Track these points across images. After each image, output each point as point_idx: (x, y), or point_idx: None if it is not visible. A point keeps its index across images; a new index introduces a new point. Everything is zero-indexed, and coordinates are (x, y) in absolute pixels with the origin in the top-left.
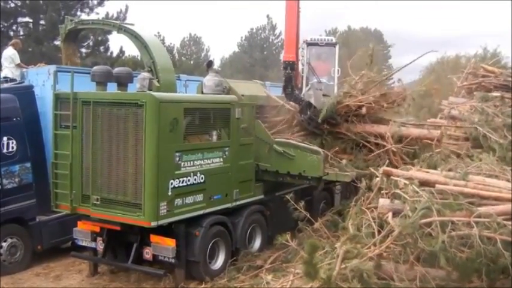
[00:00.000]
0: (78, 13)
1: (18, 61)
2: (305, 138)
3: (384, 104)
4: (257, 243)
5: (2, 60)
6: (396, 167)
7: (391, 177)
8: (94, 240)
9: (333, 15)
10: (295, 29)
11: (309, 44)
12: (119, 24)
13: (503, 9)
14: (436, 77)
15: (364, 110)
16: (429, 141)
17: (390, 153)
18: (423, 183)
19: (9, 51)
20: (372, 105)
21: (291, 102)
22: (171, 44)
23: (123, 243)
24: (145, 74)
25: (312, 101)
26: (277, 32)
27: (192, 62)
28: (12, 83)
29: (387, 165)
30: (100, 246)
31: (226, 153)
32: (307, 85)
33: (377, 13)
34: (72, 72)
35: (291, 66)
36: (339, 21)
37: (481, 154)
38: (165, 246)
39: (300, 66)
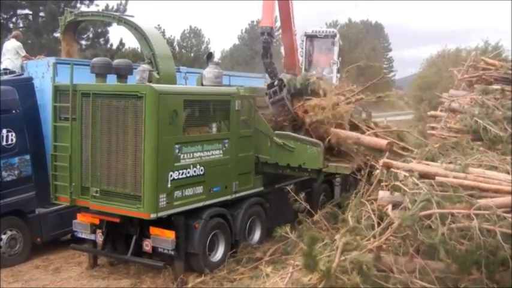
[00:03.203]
0: (78, 5)
1: (24, 53)
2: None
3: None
4: (257, 235)
5: (4, 51)
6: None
7: (391, 169)
8: (93, 232)
9: (333, 9)
10: None
11: (309, 36)
12: (118, 16)
13: (503, 3)
14: (436, 70)
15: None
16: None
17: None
18: (423, 176)
19: (14, 43)
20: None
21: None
22: (171, 36)
23: (122, 235)
24: (145, 66)
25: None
26: (277, 24)
27: (192, 55)
28: (12, 75)
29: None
30: (99, 238)
31: (226, 145)
32: None
33: (378, 6)
34: (71, 64)
35: (268, 32)
36: (339, 15)
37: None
38: (164, 239)
39: (300, 59)
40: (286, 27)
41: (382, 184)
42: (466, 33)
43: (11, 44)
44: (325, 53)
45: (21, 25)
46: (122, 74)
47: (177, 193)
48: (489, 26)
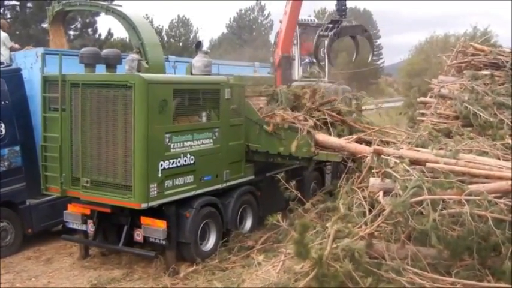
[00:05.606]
0: None
1: (10, 43)
2: None
3: None
4: (248, 224)
5: None
6: None
7: (382, 156)
8: (84, 222)
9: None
10: None
11: (301, 25)
12: (106, 5)
13: None
14: (425, 57)
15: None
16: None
17: None
18: (414, 162)
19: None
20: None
21: None
22: (159, 25)
23: (113, 225)
24: (134, 56)
25: None
26: (266, 13)
27: (181, 44)
28: (0, 66)
29: None
30: (91, 228)
31: (216, 134)
32: (300, 65)
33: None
34: (60, 55)
35: None
36: (327, 3)
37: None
38: (155, 228)
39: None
40: (293, 22)
41: (373, 171)
42: (455, 18)
43: None
44: (310, 42)
45: (8, 16)
46: (111, 63)
47: (168, 182)
48: (476, 11)
